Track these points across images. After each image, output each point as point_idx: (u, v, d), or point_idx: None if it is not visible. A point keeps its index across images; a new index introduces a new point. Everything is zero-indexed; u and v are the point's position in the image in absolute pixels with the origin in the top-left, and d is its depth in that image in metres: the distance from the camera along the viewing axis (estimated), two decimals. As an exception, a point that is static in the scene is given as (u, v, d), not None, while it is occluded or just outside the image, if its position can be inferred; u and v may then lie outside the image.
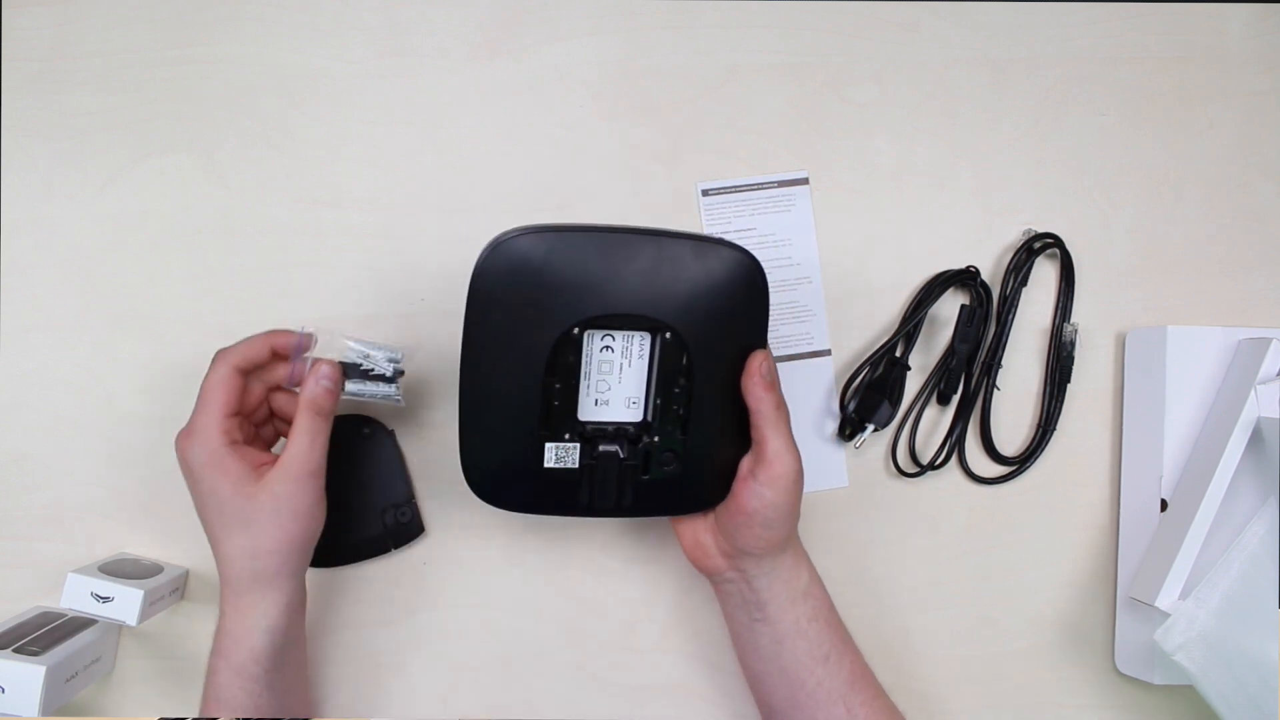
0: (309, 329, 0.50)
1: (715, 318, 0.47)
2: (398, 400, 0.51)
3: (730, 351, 0.47)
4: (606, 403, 0.49)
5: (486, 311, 0.45)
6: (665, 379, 0.47)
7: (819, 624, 0.50)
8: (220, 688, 0.46)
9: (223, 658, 0.46)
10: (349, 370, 0.50)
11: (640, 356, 0.48)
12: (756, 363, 0.47)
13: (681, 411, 0.48)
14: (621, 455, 0.48)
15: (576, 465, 0.48)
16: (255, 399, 0.50)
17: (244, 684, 0.46)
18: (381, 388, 0.50)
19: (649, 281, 0.45)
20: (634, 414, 0.49)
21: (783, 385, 0.48)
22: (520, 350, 0.46)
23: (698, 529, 0.52)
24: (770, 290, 0.54)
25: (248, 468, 0.46)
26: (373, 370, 0.50)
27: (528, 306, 0.45)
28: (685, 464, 0.49)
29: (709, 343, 0.47)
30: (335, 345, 0.50)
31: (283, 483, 0.45)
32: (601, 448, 0.48)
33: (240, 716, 0.46)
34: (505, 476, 0.49)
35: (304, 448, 0.46)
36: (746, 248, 0.47)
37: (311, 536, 0.48)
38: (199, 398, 0.47)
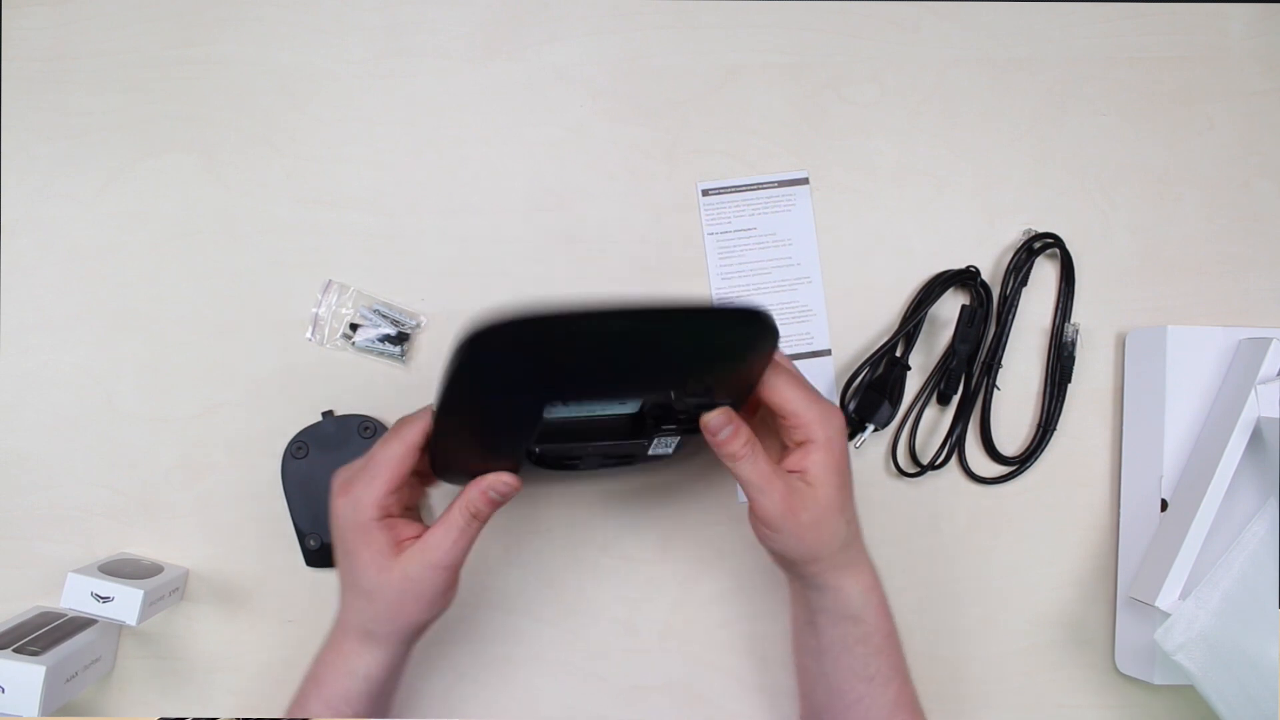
0: (330, 283, 0.56)
1: (715, 373, 0.43)
2: (401, 360, 0.58)
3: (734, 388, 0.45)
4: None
5: (463, 400, 0.41)
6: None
7: (867, 647, 0.48)
8: (308, 713, 0.47)
9: (316, 686, 0.47)
10: (360, 325, 0.57)
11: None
12: (708, 423, 0.44)
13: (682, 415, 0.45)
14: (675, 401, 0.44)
15: (680, 436, 0.46)
16: (422, 465, 0.46)
17: (331, 717, 0.46)
18: (388, 347, 0.57)
19: (644, 363, 0.41)
20: (627, 407, 0.45)
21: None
22: (501, 433, 0.43)
23: None
24: (770, 291, 0.54)
25: (390, 542, 0.44)
26: (382, 329, 0.57)
27: (508, 400, 0.41)
28: (703, 381, 0.44)
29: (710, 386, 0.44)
30: (352, 301, 0.57)
31: (417, 567, 0.44)
32: (666, 410, 0.44)
33: None
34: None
35: (447, 541, 0.44)
36: (756, 305, 0.41)
37: (431, 619, 0.46)
38: (368, 465, 0.44)
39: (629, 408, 0.45)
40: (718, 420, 0.44)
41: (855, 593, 0.48)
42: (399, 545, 0.44)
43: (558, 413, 0.43)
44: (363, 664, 0.46)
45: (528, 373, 0.40)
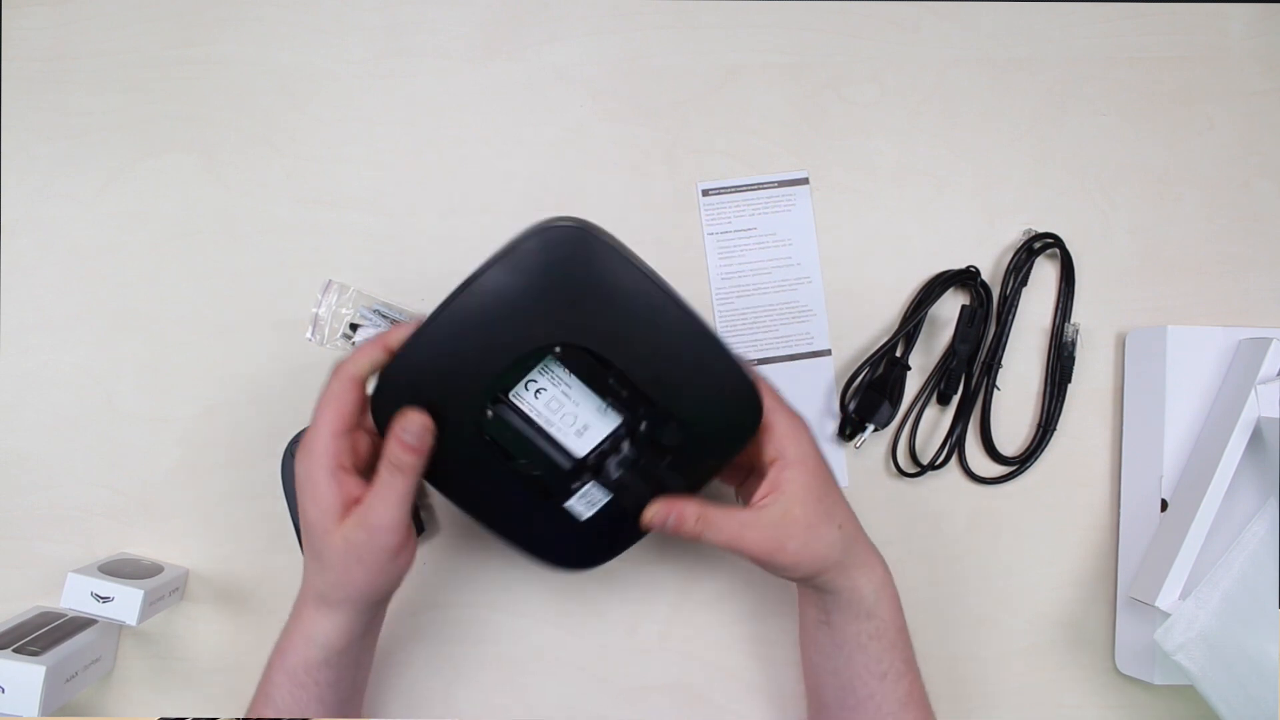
0: (330, 283, 0.54)
1: (693, 420, 0.45)
2: None
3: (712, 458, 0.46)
4: (586, 426, 0.46)
5: (489, 292, 0.42)
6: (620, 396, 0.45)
7: (881, 643, 0.48)
8: (271, 684, 0.46)
9: (279, 656, 0.46)
10: (360, 325, 0.55)
11: (572, 383, 0.45)
12: (650, 523, 0.46)
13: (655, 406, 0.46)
14: (629, 454, 0.46)
15: (609, 496, 0.46)
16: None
17: (292, 688, 0.45)
18: None
19: (646, 355, 0.44)
20: (611, 420, 0.46)
21: (784, 386, 0.48)
22: (480, 358, 0.43)
23: None
24: (770, 291, 0.53)
25: (339, 502, 0.43)
26: (382, 330, 0.54)
27: (536, 301, 0.42)
28: (685, 427, 0.45)
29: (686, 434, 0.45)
30: (352, 301, 0.55)
31: (355, 530, 0.43)
32: (611, 463, 0.46)
33: (283, 717, 0.45)
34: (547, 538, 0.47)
35: (378, 500, 0.42)
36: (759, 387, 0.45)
37: (381, 585, 0.45)
38: (314, 412, 0.43)
39: (584, 444, 0.46)
40: (658, 516, 0.45)
41: (869, 590, 0.48)
42: (346, 507, 0.43)
43: (524, 399, 0.45)
44: (320, 631, 0.45)
45: (561, 291, 0.42)
